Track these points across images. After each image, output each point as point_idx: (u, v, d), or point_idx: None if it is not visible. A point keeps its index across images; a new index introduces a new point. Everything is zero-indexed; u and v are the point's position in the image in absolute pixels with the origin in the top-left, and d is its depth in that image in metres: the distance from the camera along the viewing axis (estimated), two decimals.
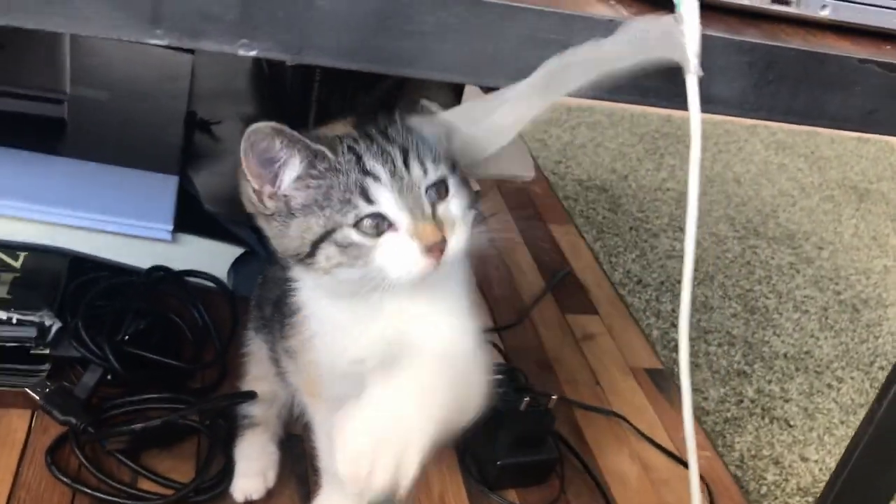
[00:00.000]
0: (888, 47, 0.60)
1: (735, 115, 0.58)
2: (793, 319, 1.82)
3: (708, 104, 0.56)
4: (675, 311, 1.75)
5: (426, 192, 0.67)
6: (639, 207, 2.11)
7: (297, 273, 0.75)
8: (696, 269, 1.91)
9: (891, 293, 1.99)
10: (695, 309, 1.77)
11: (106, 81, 1.27)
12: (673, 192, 2.25)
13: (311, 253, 0.67)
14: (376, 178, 0.65)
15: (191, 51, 1.45)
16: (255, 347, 0.96)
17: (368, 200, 0.65)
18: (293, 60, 0.50)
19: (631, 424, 1.09)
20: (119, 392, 0.94)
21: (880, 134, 0.60)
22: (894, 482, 0.80)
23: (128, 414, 0.92)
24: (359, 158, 0.66)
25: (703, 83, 0.55)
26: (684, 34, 0.53)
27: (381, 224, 0.65)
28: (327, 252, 0.66)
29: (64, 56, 1.19)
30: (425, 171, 0.67)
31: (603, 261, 1.84)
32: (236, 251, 1.10)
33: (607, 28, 0.53)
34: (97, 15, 0.47)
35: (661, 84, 0.55)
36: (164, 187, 1.10)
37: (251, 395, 0.91)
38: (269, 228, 0.69)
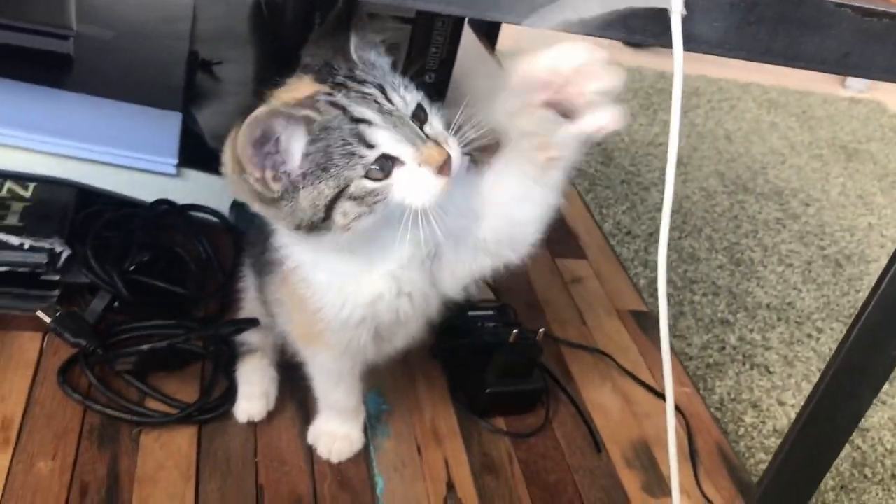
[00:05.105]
0: None
1: (716, 54, 0.61)
2: (777, 272, 1.87)
3: (691, 43, 0.59)
4: None
5: (412, 118, 0.68)
6: (631, 161, 2.15)
7: (290, 237, 0.75)
8: (684, 222, 1.97)
9: (874, 249, 2.04)
10: (682, 260, 1.82)
11: (110, 20, 1.30)
12: (665, 147, 2.27)
13: (327, 216, 0.67)
14: (368, 122, 0.66)
15: None
16: (248, 284, 0.98)
17: (369, 146, 0.66)
18: None
19: (615, 361, 1.14)
20: (126, 318, 0.98)
21: (853, 76, 0.64)
22: (857, 412, 0.85)
23: (135, 339, 0.96)
24: (344, 110, 0.66)
25: (687, 23, 0.58)
26: None
27: (385, 164, 0.66)
28: (343, 209, 0.67)
29: None
30: (405, 101, 0.69)
31: (594, 211, 1.88)
32: None
33: None
34: None
35: (647, 23, 0.59)
36: (169, 123, 1.13)
37: (254, 322, 0.95)
38: (277, 211, 0.69)
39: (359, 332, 0.79)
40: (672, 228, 1.92)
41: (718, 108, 2.58)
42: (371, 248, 0.74)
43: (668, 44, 0.59)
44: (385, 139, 0.66)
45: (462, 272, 0.78)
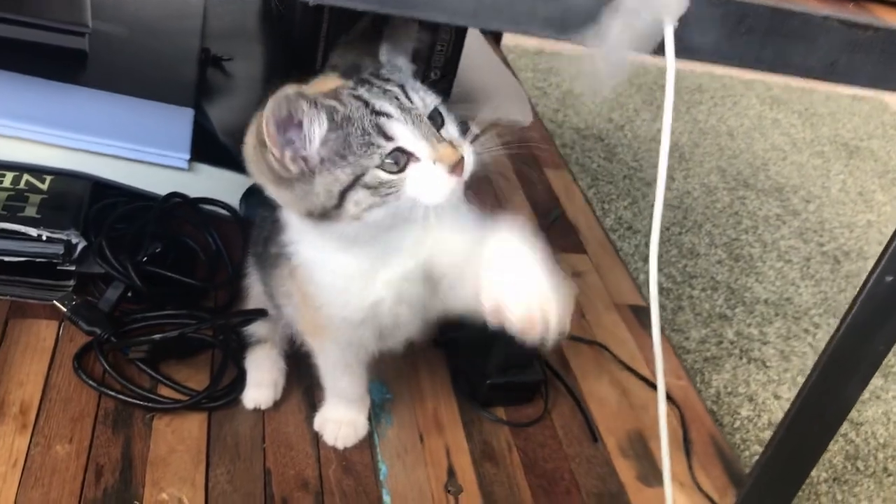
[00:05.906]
0: (850, 6, 0.66)
1: (709, 62, 0.64)
2: (776, 268, 1.90)
3: (685, 52, 0.62)
4: (662, 257, 1.83)
5: (429, 120, 0.72)
6: (633, 157, 2.17)
7: (299, 230, 0.78)
8: (685, 218, 2.00)
9: (872, 246, 2.07)
10: (682, 255, 1.85)
11: (124, 17, 1.33)
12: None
13: (339, 204, 0.70)
14: (388, 115, 0.70)
15: None
16: (253, 280, 1.00)
17: (387, 138, 0.69)
18: (315, 1, 0.57)
19: (613, 354, 1.17)
20: (138, 308, 1.02)
21: (838, 83, 0.67)
22: (845, 405, 0.88)
23: (147, 328, 0.99)
24: (366, 103, 0.70)
25: (680, 34, 0.61)
26: None
27: (400, 158, 0.70)
28: (356, 197, 0.70)
29: None
30: (424, 102, 0.72)
31: (596, 207, 1.91)
32: (248, 181, 1.16)
33: None
34: None
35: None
36: (181, 119, 1.16)
37: (262, 313, 0.98)
38: (291, 193, 0.72)
39: (360, 331, 0.83)
40: (672, 224, 1.95)
41: (721, 104, 2.60)
42: (375, 251, 0.77)
43: (661, 53, 0.62)
44: (402, 133, 0.70)
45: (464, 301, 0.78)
